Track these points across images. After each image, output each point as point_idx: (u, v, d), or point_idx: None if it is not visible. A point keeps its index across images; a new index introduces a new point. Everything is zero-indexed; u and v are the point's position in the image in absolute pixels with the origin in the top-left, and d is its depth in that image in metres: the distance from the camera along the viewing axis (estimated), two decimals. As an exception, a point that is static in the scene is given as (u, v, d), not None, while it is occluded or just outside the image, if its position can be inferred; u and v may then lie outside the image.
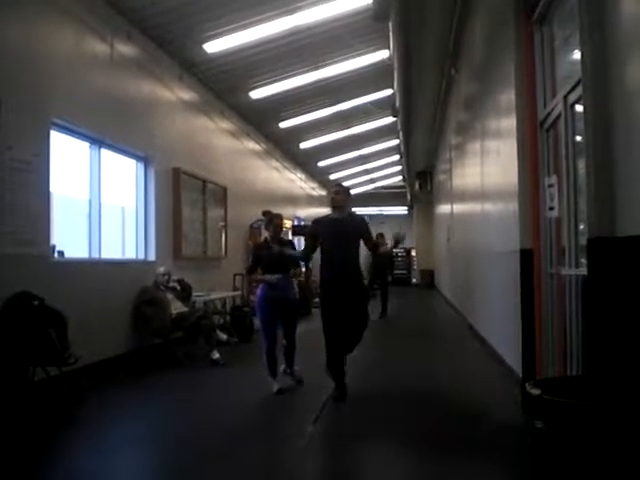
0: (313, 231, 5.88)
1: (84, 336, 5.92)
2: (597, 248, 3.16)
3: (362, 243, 5.85)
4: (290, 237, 14.13)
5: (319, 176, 22.10)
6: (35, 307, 5.36)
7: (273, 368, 5.93)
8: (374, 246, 6.18)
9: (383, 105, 13.73)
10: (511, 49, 5.37)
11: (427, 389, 6.04)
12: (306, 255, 6.01)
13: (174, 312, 7.63)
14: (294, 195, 19.05)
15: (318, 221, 5.93)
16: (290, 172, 18.18)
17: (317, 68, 10.92)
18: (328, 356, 5.60)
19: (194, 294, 8.61)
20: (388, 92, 12.94)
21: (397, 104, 12.42)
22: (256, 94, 11.35)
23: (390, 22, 8.17)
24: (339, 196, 5.78)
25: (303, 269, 12.62)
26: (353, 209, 25.42)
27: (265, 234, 6.36)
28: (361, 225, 5.86)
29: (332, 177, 22.32)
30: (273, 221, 6.17)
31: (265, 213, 6.31)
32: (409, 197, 27.36)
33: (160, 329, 7.47)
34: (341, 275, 5.58)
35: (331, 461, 4.23)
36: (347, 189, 6.07)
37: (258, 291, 6.08)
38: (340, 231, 5.61)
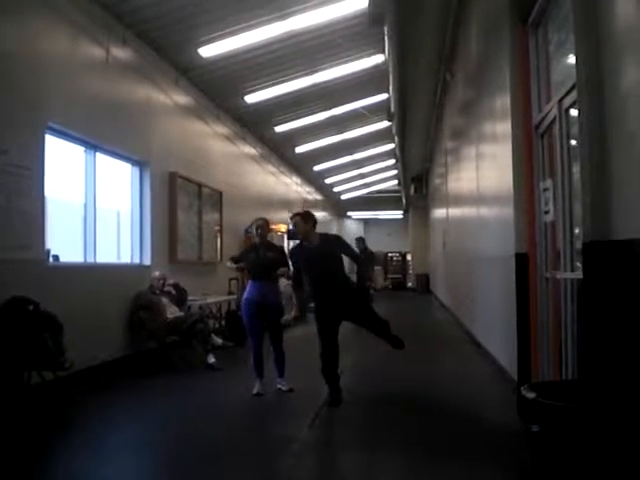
0: (294, 262, 5.92)
1: (79, 340, 5.89)
2: (592, 252, 3.17)
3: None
4: (286, 241, 14.18)
5: (315, 180, 22.11)
6: (30, 312, 5.32)
7: (259, 369, 6.02)
8: (360, 260, 6.30)
9: (378, 109, 13.76)
10: (506, 53, 5.39)
11: (422, 393, 6.04)
12: (296, 281, 5.99)
13: (169, 316, 7.60)
14: (290, 199, 19.03)
15: (293, 253, 5.98)
16: (286, 176, 18.18)
17: (312, 72, 10.94)
18: (323, 361, 5.60)
19: (189, 298, 8.60)
20: (383, 96, 12.96)
21: (392, 108, 12.45)
22: (251, 98, 11.36)
23: (385, 27, 8.20)
24: (298, 227, 5.73)
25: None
26: (349, 213, 25.31)
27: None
28: (337, 244, 5.89)
29: (327, 181, 22.36)
30: (257, 225, 6.21)
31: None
32: (404, 201, 27.39)
33: (155, 333, 7.45)
34: (333, 294, 5.62)
35: (325, 466, 4.22)
36: (305, 214, 5.88)
37: (244, 294, 6.21)
38: (317, 259, 5.63)
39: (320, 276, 5.66)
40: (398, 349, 6.03)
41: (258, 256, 6.05)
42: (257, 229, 6.19)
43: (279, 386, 6.02)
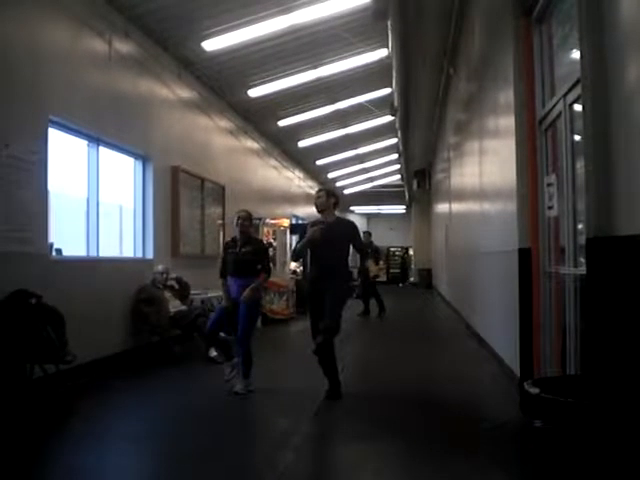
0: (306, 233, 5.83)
1: (82, 334, 5.91)
2: (596, 247, 3.16)
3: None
4: (288, 235, 14.14)
5: (317, 175, 22.08)
6: (32, 305, 5.34)
7: (211, 338, 5.99)
8: (365, 254, 6.19)
9: (381, 104, 13.73)
10: (510, 48, 5.36)
11: (423, 387, 6.04)
12: (297, 254, 5.93)
13: (172, 310, 7.62)
14: (292, 194, 19.02)
15: (313, 224, 5.88)
16: (288, 171, 18.16)
17: (316, 66, 10.91)
18: (315, 345, 5.54)
19: (192, 292, 8.61)
20: (387, 91, 12.93)
21: (395, 103, 12.42)
22: (254, 92, 11.33)
23: (389, 21, 8.17)
24: (320, 200, 5.76)
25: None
26: (352, 207, 25.31)
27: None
28: (350, 231, 5.82)
29: (330, 176, 22.32)
30: (239, 217, 5.92)
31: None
32: (407, 196, 27.36)
33: (158, 327, 7.46)
34: (326, 276, 5.56)
35: (326, 459, 4.23)
36: (329, 191, 5.97)
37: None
38: (327, 235, 5.58)
39: (321, 254, 5.63)
40: (331, 396, 5.45)
41: (235, 251, 5.84)
42: (238, 220, 5.88)
43: (235, 389, 5.59)
